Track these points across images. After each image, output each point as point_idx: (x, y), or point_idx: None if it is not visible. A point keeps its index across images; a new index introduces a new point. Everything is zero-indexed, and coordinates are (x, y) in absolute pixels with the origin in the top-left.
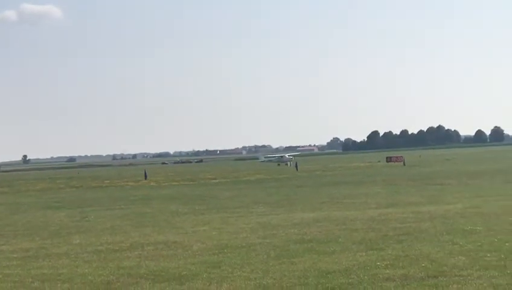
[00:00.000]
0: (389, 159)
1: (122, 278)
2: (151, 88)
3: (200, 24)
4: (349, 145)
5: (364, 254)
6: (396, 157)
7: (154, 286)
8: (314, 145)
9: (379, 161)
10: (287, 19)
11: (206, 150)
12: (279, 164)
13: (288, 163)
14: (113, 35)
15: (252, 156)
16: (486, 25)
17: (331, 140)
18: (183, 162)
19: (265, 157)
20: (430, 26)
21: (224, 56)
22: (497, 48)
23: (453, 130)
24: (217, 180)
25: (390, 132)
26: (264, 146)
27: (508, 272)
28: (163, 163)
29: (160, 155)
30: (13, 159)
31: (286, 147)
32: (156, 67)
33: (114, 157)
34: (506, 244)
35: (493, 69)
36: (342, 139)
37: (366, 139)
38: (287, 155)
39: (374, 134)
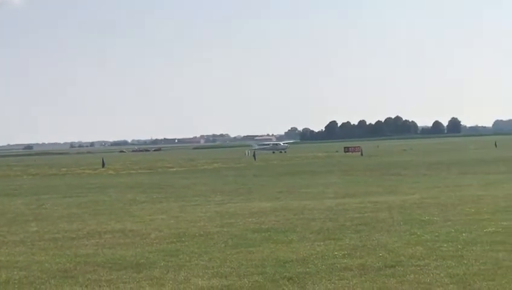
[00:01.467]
0: (346, 150)
1: (79, 266)
2: (110, 75)
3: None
4: (307, 135)
5: (322, 243)
6: (354, 147)
7: (112, 274)
8: (272, 134)
9: (337, 151)
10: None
11: (165, 139)
12: (274, 152)
13: (283, 151)
14: (73, 20)
15: (210, 144)
16: (446, 15)
17: (289, 130)
18: (141, 151)
19: (258, 145)
20: (390, 16)
21: (182, 45)
22: (455, 40)
23: (410, 121)
24: (175, 169)
25: (348, 122)
26: (222, 135)
27: (465, 262)
28: (121, 151)
29: (118, 143)
30: None
31: (244, 136)
32: (115, 54)
33: (72, 145)
34: (463, 234)
35: (451, 61)
36: (300, 129)
37: (324, 129)
38: (282, 143)
39: (332, 124)
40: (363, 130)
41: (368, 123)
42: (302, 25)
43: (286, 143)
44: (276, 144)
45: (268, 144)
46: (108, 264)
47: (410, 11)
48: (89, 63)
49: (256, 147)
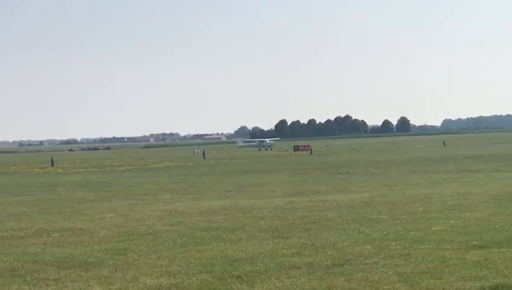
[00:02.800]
0: (296, 148)
1: (27, 265)
2: (58, 75)
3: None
4: (257, 134)
5: (270, 242)
6: (304, 146)
7: (60, 272)
8: (222, 133)
9: (286, 150)
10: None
11: (114, 138)
12: (259, 149)
13: (269, 148)
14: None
15: (160, 143)
16: (397, 14)
17: (239, 128)
18: (90, 149)
19: (244, 141)
20: (340, 14)
21: (131, 43)
22: (404, 40)
23: (360, 120)
24: (124, 167)
25: (297, 121)
26: (171, 134)
27: (413, 260)
28: (71, 150)
29: (67, 142)
30: None
31: (194, 135)
32: (66, 52)
33: (20, 143)
34: (411, 233)
35: (400, 60)
36: (250, 127)
37: (273, 128)
38: (267, 140)
39: (282, 123)
40: (312, 129)
41: (317, 122)
42: (251, 23)
43: (272, 140)
44: (262, 140)
45: (254, 141)
46: (56, 262)
47: (361, 9)
48: (38, 62)
49: (242, 144)
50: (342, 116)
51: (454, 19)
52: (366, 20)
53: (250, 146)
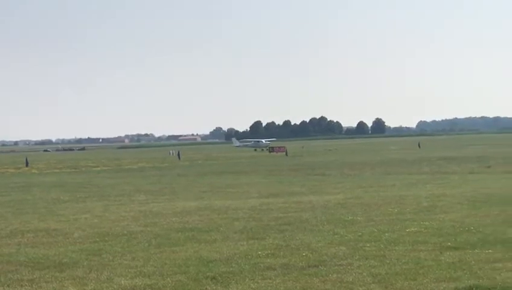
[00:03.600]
0: (271, 150)
1: (1, 265)
2: (34, 74)
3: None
4: (232, 135)
5: (245, 243)
6: (279, 147)
7: (34, 273)
8: (197, 134)
9: (262, 150)
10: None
11: (89, 138)
12: (255, 149)
13: (265, 149)
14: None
15: (135, 144)
16: (369, 16)
17: (214, 129)
18: (65, 150)
19: (240, 141)
20: (314, 17)
21: (108, 44)
22: (379, 42)
23: (335, 121)
24: (99, 168)
25: (273, 122)
26: (146, 135)
27: (387, 262)
28: (46, 150)
29: (42, 143)
30: None
31: (169, 136)
32: (39, 51)
33: None
34: (386, 234)
35: (376, 62)
36: (225, 129)
37: (248, 129)
38: (264, 140)
39: (257, 124)
40: (287, 130)
41: (292, 123)
42: (225, 25)
43: (268, 141)
44: (258, 141)
45: (250, 142)
46: (30, 263)
47: (335, 12)
48: (12, 61)
49: (238, 144)
50: (317, 117)
51: (431, 19)
52: (341, 22)
53: (246, 146)
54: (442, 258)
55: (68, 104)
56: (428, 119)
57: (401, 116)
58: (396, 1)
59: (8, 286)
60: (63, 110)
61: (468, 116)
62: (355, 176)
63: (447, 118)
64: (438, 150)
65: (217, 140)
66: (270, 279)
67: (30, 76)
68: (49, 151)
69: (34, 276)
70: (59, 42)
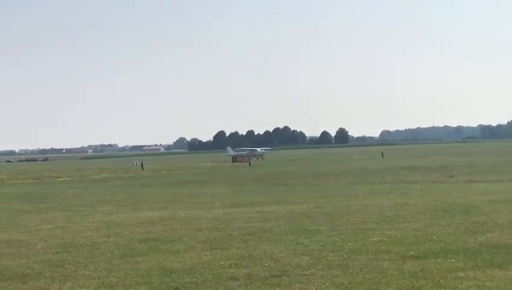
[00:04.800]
0: (235, 160)
1: None
2: None
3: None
4: (196, 145)
5: (208, 253)
6: (242, 157)
7: None
8: (161, 144)
9: (225, 161)
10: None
11: (52, 149)
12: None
13: (260, 157)
14: None
15: (98, 154)
16: (336, 24)
17: (178, 140)
18: (28, 161)
19: (234, 150)
20: (277, 28)
21: (70, 51)
22: (345, 51)
23: (298, 131)
24: (62, 179)
25: (236, 132)
26: (110, 145)
27: (350, 271)
28: (8, 161)
29: (4, 153)
30: None
31: (132, 146)
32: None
33: None
34: (349, 243)
35: (339, 70)
36: (188, 139)
37: (212, 139)
38: (259, 149)
39: (220, 134)
40: (251, 140)
41: (256, 133)
42: (188, 30)
43: (263, 149)
44: (253, 150)
45: (245, 150)
46: None
47: (294, 18)
48: None
49: (233, 153)
50: (281, 127)
51: (393, 29)
52: (296, 30)
53: (241, 155)
54: (405, 267)
55: (31, 114)
56: (392, 129)
57: (364, 126)
58: (357, 10)
59: None
60: (25, 120)
61: (431, 125)
62: (318, 186)
63: (410, 128)
64: (401, 159)
65: (180, 150)
66: (232, 289)
67: None
68: (11, 161)
69: None
70: (17, 47)
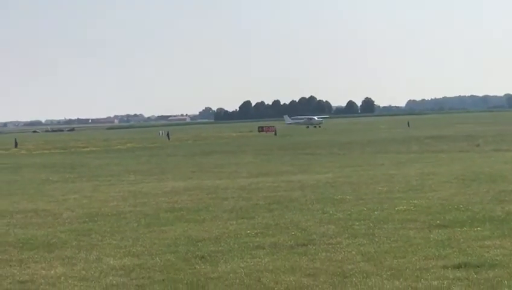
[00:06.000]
0: (260, 129)
1: None
2: (21, 56)
3: None
4: (222, 115)
5: (234, 222)
6: (268, 127)
7: (23, 253)
8: (187, 114)
9: (251, 131)
10: None
11: (78, 119)
12: (308, 126)
13: (317, 126)
14: None
15: (124, 125)
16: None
17: (203, 110)
18: (54, 131)
19: (292, 118)
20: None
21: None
22: (368, 22)
23: (324, 101)
24: (88, 149)
25: (262, 102)
26: (136, 115)
27: (376, 240)
28: (35, 131)
29: (31, 124)
30: None
31: (158, 116)
32: (33, 32)
33: None
34: (375, 212)
35: (365, 42)
36: (214, 108)
37: (238, 109)
38: (316, 117)
39: (246, 104)
40: (277, 110)
41: (282, 103)
42: (213, 5)
43: (320, 118)
44: (310, 118)
45: (302, 119)
46: (19, 244)
47: None
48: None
49: (290, 121)
50: (307, 97)
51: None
52: (331, 3)
53: (297, 123)
54: (431, 236)
55: (57, 85)
56: (418, 99)
57: (391, 95)
58: None
59: None
60: (52, 91)
61: (457, 95)
62: (344, 155)
63: (436, 97)
64: (427, 129)
65: (206, 120)
66: (259, 258)
67: (19, 57)
68: (38, 132)
69: (23, 256)
70: (49, 22)
